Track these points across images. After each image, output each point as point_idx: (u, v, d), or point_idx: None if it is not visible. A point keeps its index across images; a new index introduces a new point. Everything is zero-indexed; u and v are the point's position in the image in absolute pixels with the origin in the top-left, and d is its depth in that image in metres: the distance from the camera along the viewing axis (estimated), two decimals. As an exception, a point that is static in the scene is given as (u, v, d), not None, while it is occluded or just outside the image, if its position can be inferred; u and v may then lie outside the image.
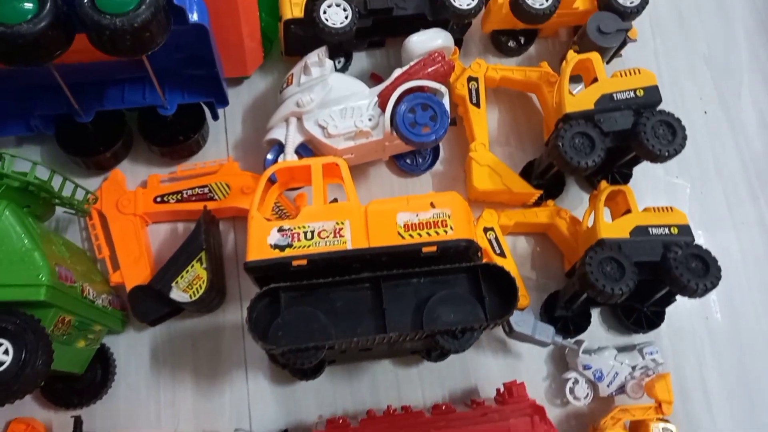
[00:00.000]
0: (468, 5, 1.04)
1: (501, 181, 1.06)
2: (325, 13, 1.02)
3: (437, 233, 0.87)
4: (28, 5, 0.78)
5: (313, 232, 0.88)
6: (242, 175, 1.06)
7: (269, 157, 1.03)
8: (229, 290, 1.07)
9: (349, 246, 0.87)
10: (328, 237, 0.88)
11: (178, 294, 0.94)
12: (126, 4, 0.79)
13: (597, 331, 1.08)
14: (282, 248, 0.87)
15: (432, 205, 0.89)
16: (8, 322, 0.71)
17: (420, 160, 1.13)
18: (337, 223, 0.89)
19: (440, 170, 1.15)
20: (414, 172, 1.13)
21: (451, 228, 0.87)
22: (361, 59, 1.20)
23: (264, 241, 0.88)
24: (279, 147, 1.03)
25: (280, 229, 0.88)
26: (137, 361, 1.02)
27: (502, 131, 1.19)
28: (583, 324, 1.06)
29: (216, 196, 1.05)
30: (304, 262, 0.86)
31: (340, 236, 0.88)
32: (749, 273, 1.15)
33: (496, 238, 1.05)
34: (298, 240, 0.88)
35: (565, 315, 1.05)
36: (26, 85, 1.01)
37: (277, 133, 1.03)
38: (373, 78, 1.17)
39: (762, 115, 1.24)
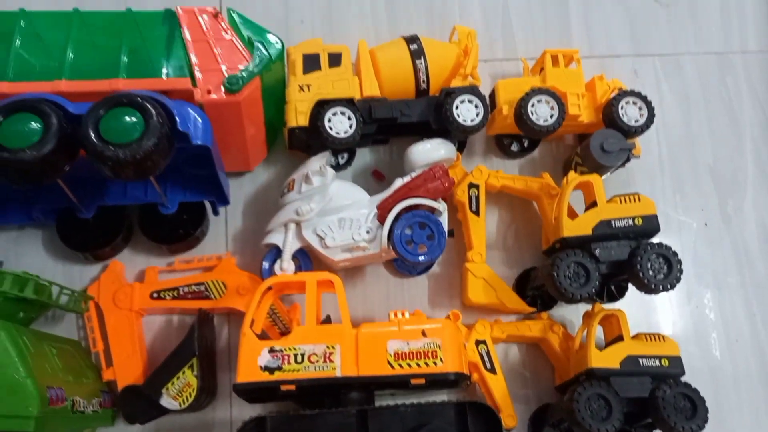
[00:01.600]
0: (472, 121, 1.05)
1: (495, 295, 1.06)
2: (329, 121, 1.03)
3: (426, 364, 0.88)
4: (33, 131, 0.80)
5: (303, 356, 0.89)
6: (239, 274, 1.07)
7: (265, 263, 1.04)
8: (220, 384, 1.08)
9: (338, 372, 0.88)
10: (317, 362, 0.88)
11: (167, 401, 0.95)
12: (129, 134, 0.80)
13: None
14: (271, 371, 0.88)
15: (423, 333, 0.90)
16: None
17: (418, 266, 1.14)
18: (328, 347, 0.89)
19: (436, 272, 1.15)
20: (410, 273, 1.14)
21: (441, 360, 0.88)
22: (363, 154, 1.20)
23: (254, 361, 0.89)
24: (276, 251, 1.04)
25: (271, 350, 0.89)
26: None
27: (500, 233, 1.19)
28: (569, 440, 1.06)
29: (212, 295, 1.05)
30: (292, 387, 0.87)
31: (330, 361, 0.88)
32: (740, 391, 1.14)
33: (488, 353, 1.05)
34: (288, 363, 0.88)
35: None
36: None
37: (275, 238, 1.03)
38: (375, 175, 1.18)
39: (765, 231, 1.24)
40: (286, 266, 1.02)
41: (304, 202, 1.02)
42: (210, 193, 1.05)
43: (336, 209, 1.03)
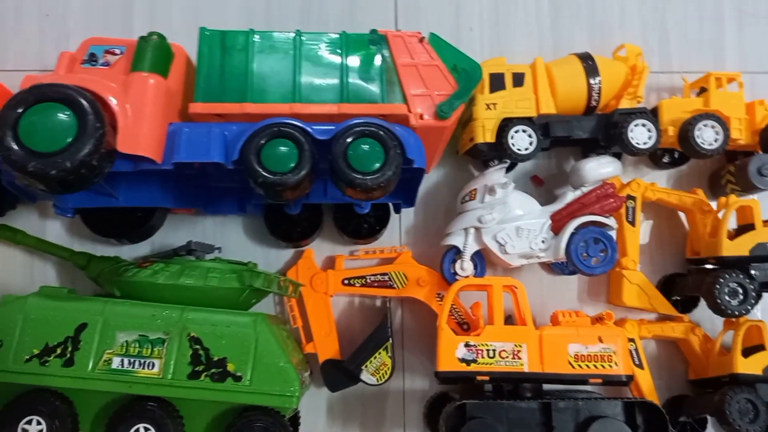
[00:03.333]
0: (644, 144, 1.14)
1: (648, 301, 1.18)
2: (512, 138, 1.14)
3: (603, 366, 1.02)
4: (290, 155, 0.94)
5: (494, 351, 1.04)
6: (418, 268, 1.21)
7: (446, 262, 1.18)
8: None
9: (525, 368, 1.03)
10: (507, 357, 1.03)
11: (367, 377, 1.12)
12: (372, 163, 0.93)
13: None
14: (468, 362, 1.04)
15: (600, 339, 1.03)
16: (268, 422, 0.91)
17: (570, 265, 1.26)
18: (516, 345, 1.04)
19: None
20: (562, 273, 1.27)
21: (616, 364, 1.02)
22: (523, 159, 1.31)
23: (452, 353, 1.04)
24: (455, 251, 1.17)
25: (467, 345, 1.04)
26: (314, 417, 1.21)
27: (644, 237, 1.30)
28: (700, 429, 1.20)
29: (395, 285, 1.20)
30: (486, 378, 1.02)
31: (518, 358, 1.03)
32: None
33: (636, 350, 1.18)
34: (482, 357, 1.04)
35: (686, 421, 1.20)
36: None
37: (456, 240, 1.16)
38: (534, 180, 1.29)
39: None
40: (466, 266, 1.16)
41: (486, 211, 1.14)
42: (399, 196, 1.17)
43: (513, 218, 1.15)
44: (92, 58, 1.03)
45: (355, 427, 1.22)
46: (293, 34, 1.07)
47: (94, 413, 0.94)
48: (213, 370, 0.92)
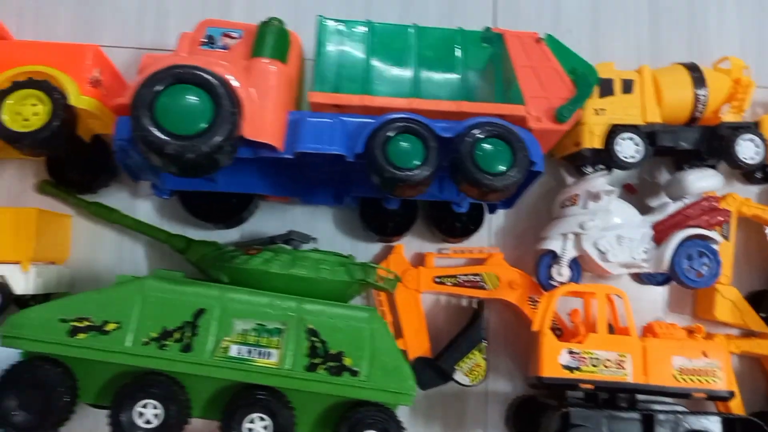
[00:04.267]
0: (751, 159, 1.13)
1: (741, 317, 1.18)
2: (618, 145, 1.13)
3: (707, 381, 1.02)
4: (416, 152, 0.93)
5: (598, 360, 1.03)
6: (510, 270, 1.20)
7: (542, 266, 1.17)
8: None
9: (629, 379, 1.02)
10: (611, 367, 1.03)
11: (460, 377, 1.12)
12: (500, 165, 0.92)
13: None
14: (571, 369, 1.03)
15: (704, 354, 1.03)
16: (382, 418, 0.90)
17: (659, 275, 1.26)
18: (620, 355, 1.03)
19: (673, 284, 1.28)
20: (650, 283, 1.26)
21: (719, 379, 1.02)
22: (616, 166, 1.30)
23: (555, 359, 1.04)
24: (552, 256, 1.17)
25: (571, 352, 1.04)
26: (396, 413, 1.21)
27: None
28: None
29: (486, 286, 1.20)
30: (591, 386, 1.02)
31: (622, 368, 1.03)
32: None
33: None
34: (585, 365, 1.03)
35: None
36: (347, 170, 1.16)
37: (554, 245, 1.16)
38: (626, 188, 1.28)
39: None
40: (564, 272, 1.15)
41: (588, 217, 1.13)
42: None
43: (613, 226, 1.14)
44: (210, 41, 1.01)
45: (436, 425, 1.21)
46: (411, 28, 1.06)
47: (203, 399, 0.93)
48: (330, 364, 0.91)
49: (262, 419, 0.89)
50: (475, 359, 1.13)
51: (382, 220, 1.20)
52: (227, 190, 1.13)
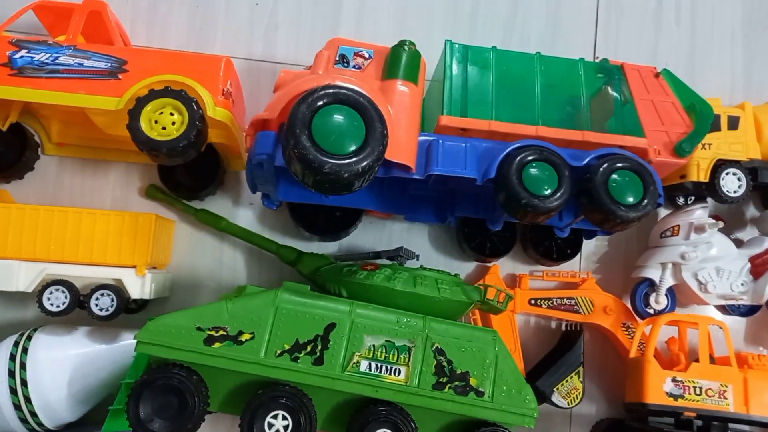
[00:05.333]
0: None
1: (829, 352, 1.21)
2: (723, 180, 1.15)
3: (810, 415, 1.04)
4: (550, 179, 0.95)
5: (701, 389, 1.06)
6: (605, 295, 1.22)
7: (639, 294, 1.19)
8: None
9: (731, 409, 1.04)
10: (713, 396, 1.05)
11: (558, 399, 1.14)
12: (628, 196, 0.95)
13: None
14: (675, 397, 1.05)
15: (807, 388, 1.05)
16: (506, 439, 0.92)
17: (743, 306, 1.28)
18: (722, 385, 1.06)
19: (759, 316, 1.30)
20: (734, 313, 1.28)
21: (820, 413, 1.04)
22: (702, 197, 1.33)
23: (660, 387, 1.06)
24: (649, 283, 1.19)
25: (674, 380, 1.06)
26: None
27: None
28: None
29: (581, 310, 1.22)
30: (693, 415, 1.04)
31: (724, 398, 1.05)
32: None
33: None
34: (689, 393, 1.05)
35: None
36: (452, 189, 1.18)
37: (652, 273, 1.18)
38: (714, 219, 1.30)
39: None
40: (661, 300, 1.17)
41: (690, 248, 1.15)
42: (597, 224, 1.19)
43: (712, 258, 1.16)
44: (343, 60, 1.03)
45: (522, 444, 1.24)
46: (533, 55, 1.09)
47: (325, 411, 0.95)
48: (456, 383, 0.93)
49: (388, 434, 0.91)
50: (573, 382, 1.15)
51: (480, 241, 1.23)
52: (337, 205, 1.16)
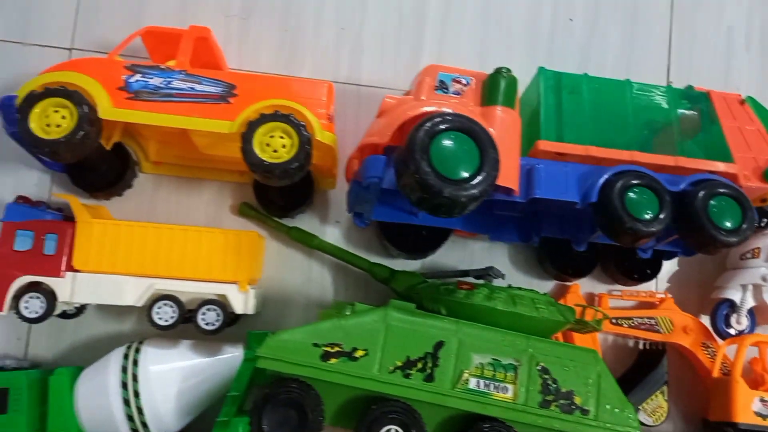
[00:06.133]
0: None
1: None
2: (808, 210, 1.19)
3: None
4: (652, 207, 0.99)
5: (789, 409, 1.08)
6: (684, 315, 1.25)
7: (720, 315, 1.22)
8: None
9: (818, 428, 1.07)
10: (802, 416, 1.08)
11: (644, 417, 1.16)
12: (726, 222, 0.98)
13: None
14: (764, 417, 1.08)
15: None
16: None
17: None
18: (810, 407, 1.08)
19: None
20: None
21: None
22: None
23: (748, 406, 1.09)
24: (729, 305, 1.22)
25: (762, 399, 1.08)
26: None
27: None
28: None
29: (661, 330, 1.24)
30: (783, 434, 1.07)
31: (810, 419, 1.08)
32: None
33: None
34: (777, 413, 1.08)
35: None
36: (537, 210, 1.22)
37: (733, 294, 1.21)
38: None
39: None
40: (742, 321, 1.20)
41: (771, 271, 1.19)
42: (681, 246, 1.22)
43: (791, 280, 1.20)
44: (443, 86, 1.07)
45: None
46: (624, 82, 1.12)
47: (431, 429, 0.97)
48: (561, 401, 0.95)
49: (496, 451, 0.94)
50: (658, 401, 1.18)
51: (563, 261, 1.26)
52: (427, 224, 1.19)
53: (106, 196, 1.22)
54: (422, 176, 0.88)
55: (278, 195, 1.22)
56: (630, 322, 1.25)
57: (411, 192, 0.91)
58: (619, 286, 1.31)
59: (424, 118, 0.92)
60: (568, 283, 1.29)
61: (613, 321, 1.25)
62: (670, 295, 1.28)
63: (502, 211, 1.23)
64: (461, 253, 1.30)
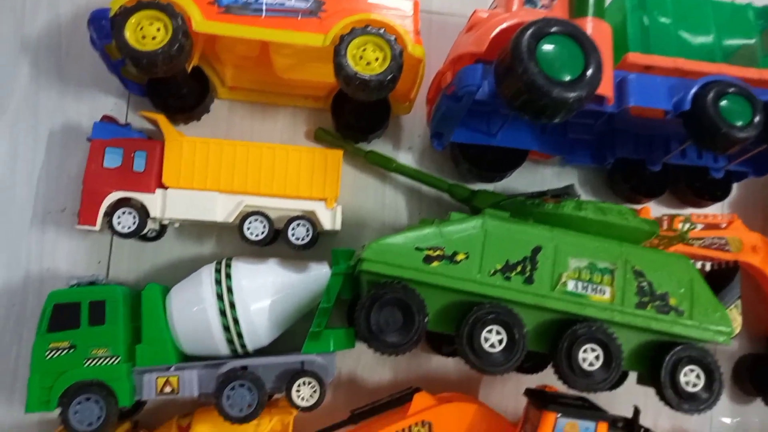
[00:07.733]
0: None
1: None
2: None
3: None
4: (745, 115, 1.00)
5: None
6: (752, 234, 1.27)
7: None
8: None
9: None
10: None
11: (728, 321, 1.20)
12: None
13: None
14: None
15: None
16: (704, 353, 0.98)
17: None
18: None
19: None
20: None
21: None
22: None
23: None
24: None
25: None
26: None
27: None
28: None
29: (731, 249, 1.27)
30: None
31: None
32: None
33: None
34: None
35: None
36: (612, 130, 1.23)
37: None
38: None
39: None
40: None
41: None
42: (750, 165, 1.23)
43: None
44: (531, 0, 1.08)
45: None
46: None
47: (528, 331, 0.99)
48: (657, 302, 0.98)
49: (593, 350, 0.96)
50: (733, 314, 1.20)
51: (632, 183, 1.27)
52: (504, 145, 1.20)
53: (185, 120, 1.23)
54: (531, 77, 0.89)
55: (356, 119, 1.23)
56: (702, 242, 1.28)
57: (515, 96, 0.93)
58: (688, 209, 1.33)
59: (529, 22, 0.92)
60: (638, 206, 1.30)
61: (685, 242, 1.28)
62: (738, 217, 1.31)
63: (577, 134, 1.24)
64: (532, 178, 1.31)
